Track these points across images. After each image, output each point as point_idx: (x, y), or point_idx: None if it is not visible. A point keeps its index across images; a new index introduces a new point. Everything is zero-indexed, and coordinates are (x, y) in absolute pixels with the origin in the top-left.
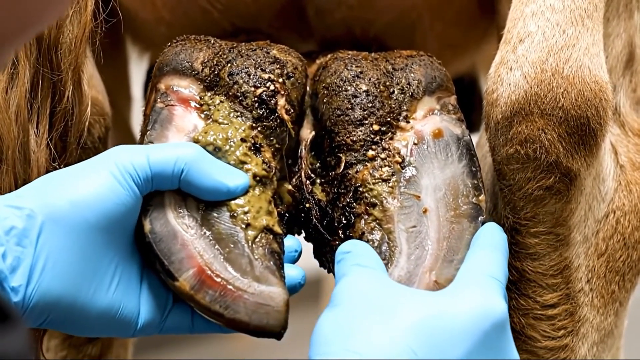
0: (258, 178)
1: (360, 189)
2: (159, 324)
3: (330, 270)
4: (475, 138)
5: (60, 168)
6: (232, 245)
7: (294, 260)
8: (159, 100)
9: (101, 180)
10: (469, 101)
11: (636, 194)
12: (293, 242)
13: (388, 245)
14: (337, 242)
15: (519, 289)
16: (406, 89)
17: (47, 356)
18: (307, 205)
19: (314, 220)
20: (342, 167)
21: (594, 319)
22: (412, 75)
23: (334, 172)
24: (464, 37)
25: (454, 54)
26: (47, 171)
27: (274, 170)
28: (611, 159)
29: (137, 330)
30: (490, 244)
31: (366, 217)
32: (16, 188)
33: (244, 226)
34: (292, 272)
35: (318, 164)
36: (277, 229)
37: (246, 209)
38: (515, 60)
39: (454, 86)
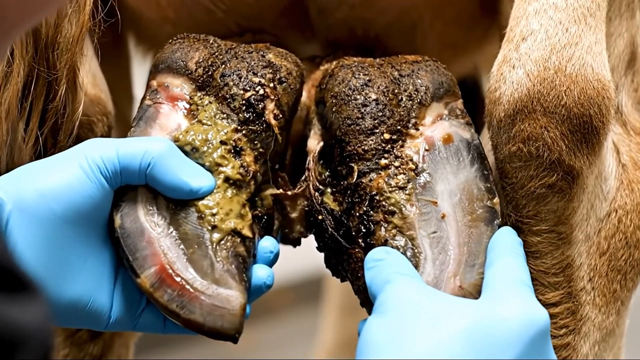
0: (232, 181)
1: (377, 198)
2: (131, 321)
3: (348, 278)
4: None
5: None
6: (196, 246)
7: (270, 262)
8: (147, 97)
9: (69, 172)
10: (472, 105)
11: (638, 193)
12: (269, 243)
13: (413, 251)
14: (356, 250)
15: None
16: (414, 95)
17: None
18: (320, 216)
19: (330, 229)
20: (356, 177)
21: (596, 318)
22: (419, 81)
23: (346, 182)
24: (465, 36)
25: (454, 54)
26: None
27: (251, 174)
28: (613, 158)
29: (109, 324)
30: (513, 249)
31: (386, 225)
32: None
33: (210, 228)
34: (261, 272)
35: (327, 173)
36: (247, 232)
37: (214, 210)
38: (518, 59)
39: (459, 90)
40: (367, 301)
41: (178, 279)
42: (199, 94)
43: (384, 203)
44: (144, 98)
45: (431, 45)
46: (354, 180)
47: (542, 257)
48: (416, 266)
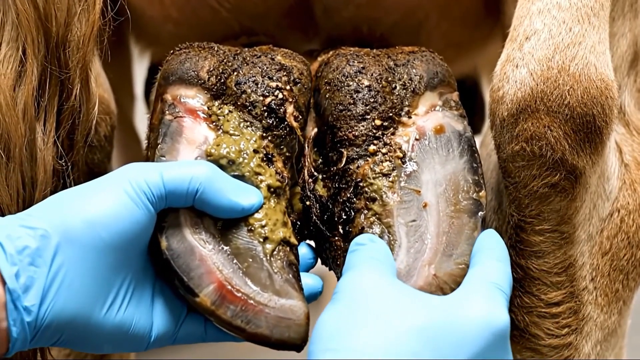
0: (272, 189)
1: (361, 184)
2: (172, 336)
3: (331, 267)
4: (477, 140)
5: (66, 166)
6: (250, 260)
7: (309, 268)
8: (167, 112)
9: (116, 199)
10: (470, 104)
11: None
12: (307, 249)
13: (388, 239)
14: (336, 238)
15: (523, 287)
16: (408, 84)
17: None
18: (308, 202)
19: (314, 216)
20: (344, 162)
21: (598, 318)
22: (413, 70)
23: (335, 167)
24: (469, 36)
25: (458, 53)
26: (54, 169)
27: (286, 180)
28: (616, 158)
29: (150, 343)
30: (496, 254)
31: (366, 211)
32: (23, 186)
33: (261, 240)
34: (310, 281)
35: (320, 160)
36: (293, 240)
37: (263, 222)
38: (522, 58)
39: (456, 82)
40: None
41: (239, 294)
42: (216, 104)
43: (366, 189)
44: (162, 112)
45: (436, 44)
46: (342, 166)
47: (544, 257)
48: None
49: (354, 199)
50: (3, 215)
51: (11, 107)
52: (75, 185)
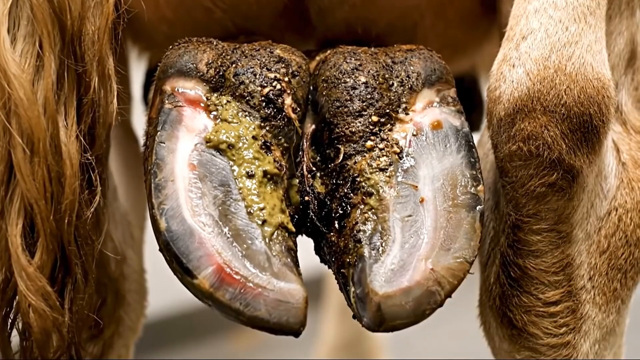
0: (269, 176)
1: (358, 179)
2: None
3: (330, 266)
4: (475, 138)
5: (91, 160)
6: (249, 242)
7: None
8: (166, 101)
9: None
10: (469, 101)
11: (638, 192)
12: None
13: (380, 235)
14: (332, 235)
15: (521, 286)
16: (405, 81)
17: None
18: (307, 198)
19: (312, 213)
20: (341, 158)
21: (596, 317)
22: (411, 68)
23: (333, 164)
24: (465, 36)
25: (454, 53)
26: (80, 163)
27: (284, 169)
28: (613, 157)
29: None
30: None
31: (362, 206)
32: (50, 180)
33: (260, 222)
34: None
35: (318, 157)
36: (291, 227)
37: (262, 205)
38: (518, 57)
39: (453, 79)
40: (343, 287)
41: (238, 277)
42: (214, 95)
43: (363, 184)
44: (161, 102)
45: (432, 44)
46: (340, 162)
47: (542, 256)
48: (382, 250)
49: (351, 194)
50: (32, 209)
51: (32, 101)
52: (100, 180)
